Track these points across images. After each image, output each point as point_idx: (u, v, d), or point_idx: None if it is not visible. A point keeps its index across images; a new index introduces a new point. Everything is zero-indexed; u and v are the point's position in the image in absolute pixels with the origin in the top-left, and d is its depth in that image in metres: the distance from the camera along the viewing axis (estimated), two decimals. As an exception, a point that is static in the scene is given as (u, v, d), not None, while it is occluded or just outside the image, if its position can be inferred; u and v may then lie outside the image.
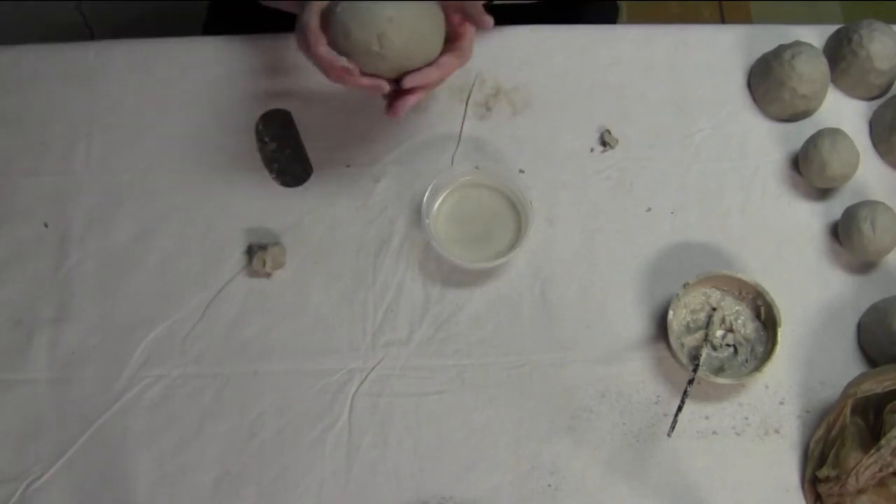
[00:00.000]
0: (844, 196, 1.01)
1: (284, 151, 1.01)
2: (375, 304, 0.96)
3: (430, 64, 0.86)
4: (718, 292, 0.96)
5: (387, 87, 0.85)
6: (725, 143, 1.04)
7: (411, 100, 0.86)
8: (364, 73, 0.85)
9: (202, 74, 1.05)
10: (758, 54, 1.07)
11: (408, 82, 0.85)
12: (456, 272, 0.97)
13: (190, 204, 1.00)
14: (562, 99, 1.05)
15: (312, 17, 0.84)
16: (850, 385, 0.89)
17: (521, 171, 1.02)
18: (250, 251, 0.97)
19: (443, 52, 0.87)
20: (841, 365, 0.94)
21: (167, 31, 1.10)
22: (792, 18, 1.90)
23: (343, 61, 0.83)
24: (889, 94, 1.06)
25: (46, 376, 0.93)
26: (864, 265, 0.99)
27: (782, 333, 0.91)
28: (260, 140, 1.01)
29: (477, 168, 0.98)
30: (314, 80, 0.97)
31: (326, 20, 0.85)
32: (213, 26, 1.22)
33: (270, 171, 1.01)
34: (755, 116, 1.05)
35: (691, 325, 0.95)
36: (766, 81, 1.03)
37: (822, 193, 1.02)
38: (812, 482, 0.89)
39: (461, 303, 0.96)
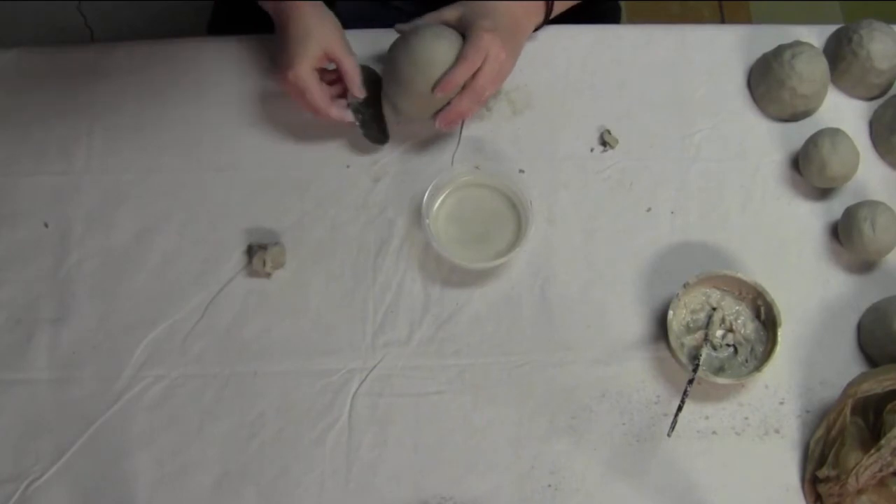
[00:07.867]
0: (844, 196, 1.01)
1: (368, 109, 1.00)
2: (375, 304, 0.96)
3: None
4: (718, 292, 0.96)
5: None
6: (725, 143, 1.04)
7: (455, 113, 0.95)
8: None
9: (202, 74, 1.05)
10: (758, 54, 1.07)
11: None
12: (456, 272, 0.97)
13: (190, 204, 1.00)
14: (562, 99, 1.05)
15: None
16: (850, 385, 0.89)
17: (521, 171, 1.02)
18: (250, 251, 0.97)
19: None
20: (841, 365, 0.94)
21: (167, 31, 1.10)
22: (792, 18, 1.91)
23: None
24: (889, 94, 1.06)
25: (46, 376, 0.93)
26: (864, 265, 0.99)
27: (782, 333, 0.91)
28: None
29: (477, 168, 0.98)
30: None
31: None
32: (218, 26, 1.22)
33: (356, 119, 0.99)
34: (755, 116, 1.05)
35: (691, 325, 0.95)
36: (766, 81, 1.03)
37: (822, 193, 1.02)
38: (812, 482, 0.89)
39: (461, 303, 0.96)
